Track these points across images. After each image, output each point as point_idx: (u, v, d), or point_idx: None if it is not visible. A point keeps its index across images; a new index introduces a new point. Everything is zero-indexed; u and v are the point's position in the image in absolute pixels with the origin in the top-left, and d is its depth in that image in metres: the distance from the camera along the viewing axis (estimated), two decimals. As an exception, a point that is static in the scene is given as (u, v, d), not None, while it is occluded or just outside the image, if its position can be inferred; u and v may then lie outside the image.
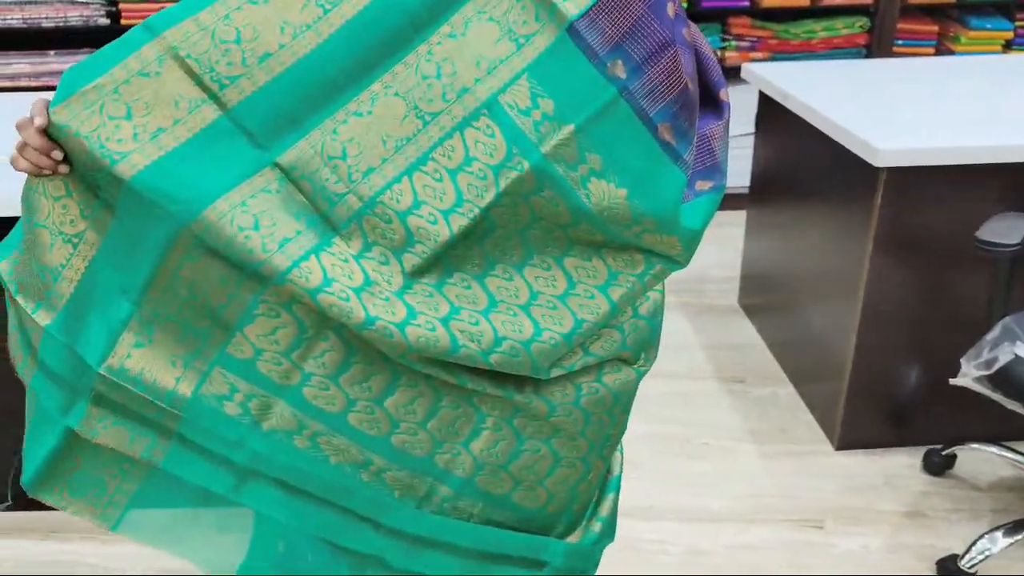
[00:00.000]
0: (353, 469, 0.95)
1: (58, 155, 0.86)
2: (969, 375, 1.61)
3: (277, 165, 0.85)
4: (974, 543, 1.69)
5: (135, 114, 0.83)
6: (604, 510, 1.10)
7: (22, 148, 0.87)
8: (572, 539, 1.07)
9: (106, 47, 0.85)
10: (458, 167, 0.85)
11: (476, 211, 0.86)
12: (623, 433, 1.07)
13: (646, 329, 0.99)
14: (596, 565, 1.11)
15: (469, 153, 0.85)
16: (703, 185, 0.92)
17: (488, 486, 0.99)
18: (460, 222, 0.86)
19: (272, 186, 0.85)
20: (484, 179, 0.85)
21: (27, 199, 0.91)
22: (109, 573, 1.75)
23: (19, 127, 0.86)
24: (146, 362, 0.90)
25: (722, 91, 0.94)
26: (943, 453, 1.97)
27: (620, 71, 0.86)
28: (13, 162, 0.88)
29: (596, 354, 0.97)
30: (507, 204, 0.87)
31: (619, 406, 1.02)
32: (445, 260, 0.88)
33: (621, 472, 1.14)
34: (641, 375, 1.02)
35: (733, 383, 2.33)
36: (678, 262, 0.94)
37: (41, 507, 1.92)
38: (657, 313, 0.99)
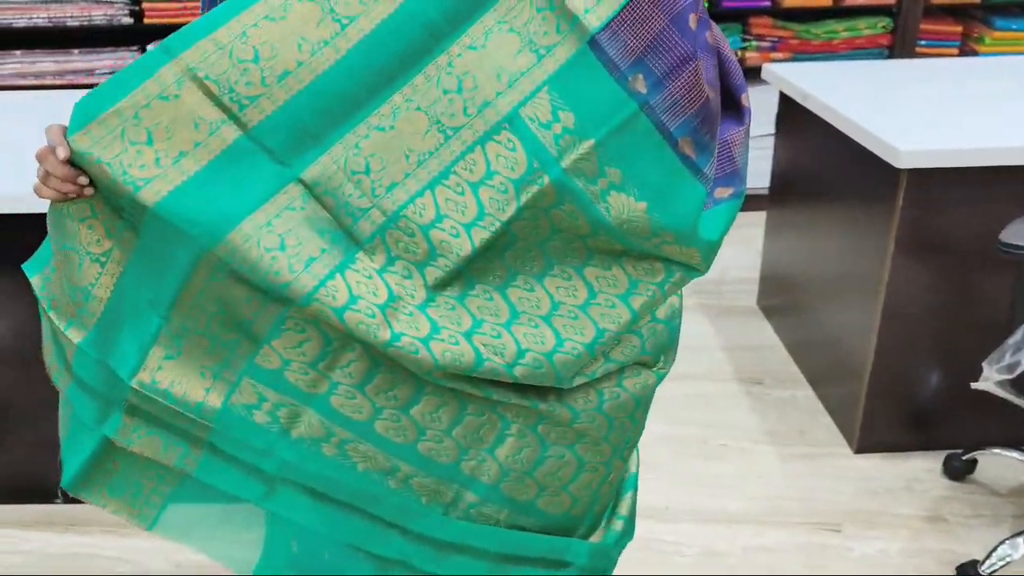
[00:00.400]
0: (380, 476, 0.95)
1: (84, 180, 0.86)
2: (991, 379, 1.60)
3: (300, 181, 0.85)
4: (994, 549, 1.68)
5: (156, 139, 0.83)
6: (623, 509, 1.11)
7: (45, 178, 0.87)
8: (594, 539, 1.08)
9: (123, 71, 0.85)
10: (480, 181, 0.85)
11: (497, 224, 0.86)
12: (641, 434, 1.07)
13: (664, 332, 0.99)
14: (615, 564, 1.11)
15: (491, 167, 0.85)
16: (723, 192, 0.92)
17: (513, 492, 1.00)
18: (482, 235, 0.86)
19: (296, 203, 0.85)
20: (505, 193, 0.85)
21: (53, 222, 0.92)
22: (129, 569, 1.77)
23: (40, 158, 0.86)
24: (176, 374, 0.91)
25: (743, 95, 0.94)
26: (964, 458, 1.95)
27: (641, 86, 0.85)
28: (37, 191, 0.88)
29: (617, 360, 0.97)
30: (528, 217, 0.87)
31: (640, 409, 1.02)
32: (467, 273, 0.89)
33: (637, 470, 1.14)
34: (661, 378, 1.02)
35: (751, 385, 2.32)
36: (698, 270, 0.94)
37: (62, 501, 1.94)
38: (675, 316, 1.00)
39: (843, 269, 2.13)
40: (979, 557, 1.69)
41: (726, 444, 2.10)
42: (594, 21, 0.83)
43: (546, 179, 0.85)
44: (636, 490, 1.14)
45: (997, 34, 3.20)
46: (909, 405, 2.03)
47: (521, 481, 0.99)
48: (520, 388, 0.94)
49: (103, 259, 0.90)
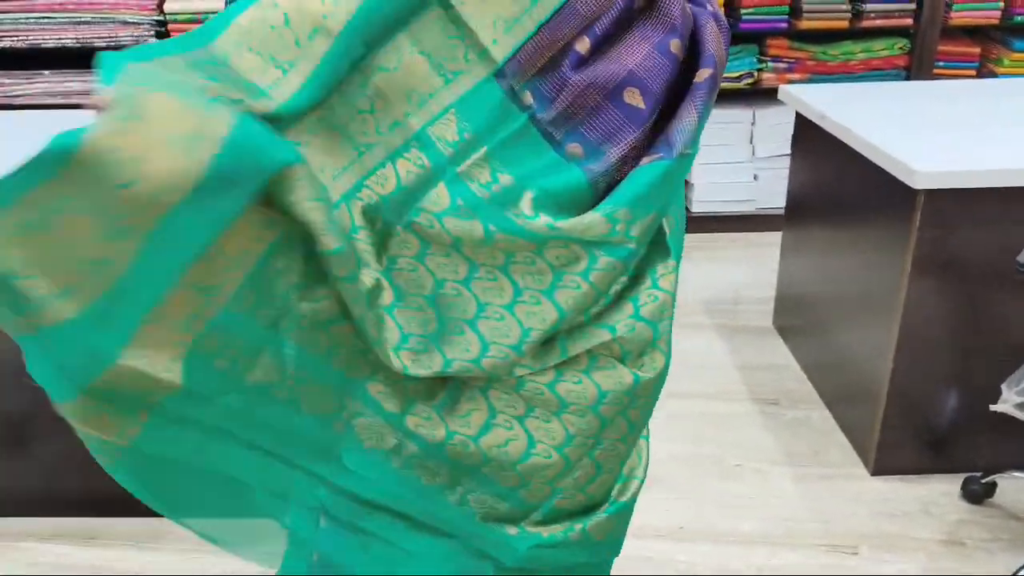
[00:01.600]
0: (326, 419, 0.95)
1: None
2: (1010, 401, 1.59)
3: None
4: (1015, 574, 1.66)
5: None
6: (593, 524, 1.05)
7: None
8: (543, 532, 1.03)
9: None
10: (390, 194, 0.90)
11: (397, 228, 0.90)
12: (628, 441, 1.02)
13: (646, 331, 0.96)
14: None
15: (401, 183, 0.90)
16: (647, 159, 0.91)
17: (457, 456, 0.98)
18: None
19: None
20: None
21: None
22: (145, 580, 1.78)
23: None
24: (152, 341, 0.86)
25: (701, 70, 0.92)
26: (982, 481, 1.93)
27: (530, 100, 0.91)
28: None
29: (573, 353, 0.96)
30: (423, 222, 0.90)
31: (607, 405, 0.97)
32: (393, 283, 0.92)
33: (634, 500, 1.08)
34: (638, 380, 0.97)
35: (767, 405, 2.31)
36: (616, 244, 0.91)
37: (80, 514, 1.95)
38: (661, 318, 0.96)
39: (859, 289, 2.12)
40: (998, 582, 1.68)
41: (741, 464, 2.09)
42: (499, 54, 0.88)
43: (440, 183, 0.89)
44: (620, 517, 1.07)
45: (1016, 55, 3.19)
46: (926, 427, 2.01)
47: (465, 447, 0.97)
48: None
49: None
